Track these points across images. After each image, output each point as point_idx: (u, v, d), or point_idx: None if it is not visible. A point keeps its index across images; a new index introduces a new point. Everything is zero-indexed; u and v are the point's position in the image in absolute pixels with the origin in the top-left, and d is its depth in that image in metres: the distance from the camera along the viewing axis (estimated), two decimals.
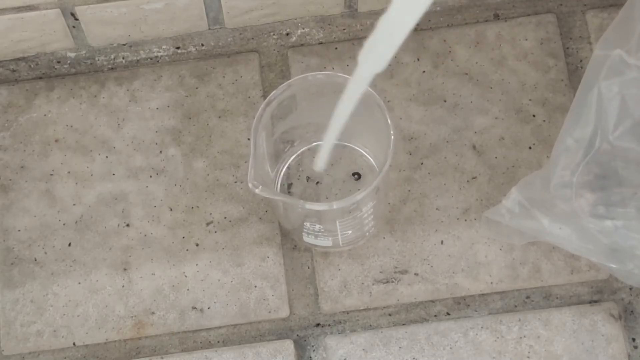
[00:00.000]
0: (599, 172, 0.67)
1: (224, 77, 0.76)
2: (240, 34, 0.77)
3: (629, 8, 0.66)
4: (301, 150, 0.74)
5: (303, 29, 0.77)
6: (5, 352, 0.71)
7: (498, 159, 0.74)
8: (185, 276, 0.72)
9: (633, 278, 0.68)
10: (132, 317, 0.72)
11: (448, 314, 0.72)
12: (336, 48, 0.77)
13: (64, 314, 0.72)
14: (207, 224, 0.73)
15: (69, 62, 0.77)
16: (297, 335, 0.71)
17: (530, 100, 0.75)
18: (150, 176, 0.74)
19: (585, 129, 0.65)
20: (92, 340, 0.71)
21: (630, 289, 0.72)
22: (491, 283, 0.72)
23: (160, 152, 0.75)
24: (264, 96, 0.76)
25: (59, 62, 0.77)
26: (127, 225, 0.73)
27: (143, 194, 0.74)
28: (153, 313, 0.72)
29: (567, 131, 0.66)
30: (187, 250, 0.73)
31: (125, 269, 0.72)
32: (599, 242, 0.66)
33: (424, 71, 0.76)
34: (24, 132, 0.75)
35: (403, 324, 0.71)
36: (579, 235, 0.67)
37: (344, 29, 0.77)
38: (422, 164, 0.74)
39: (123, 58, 0.77)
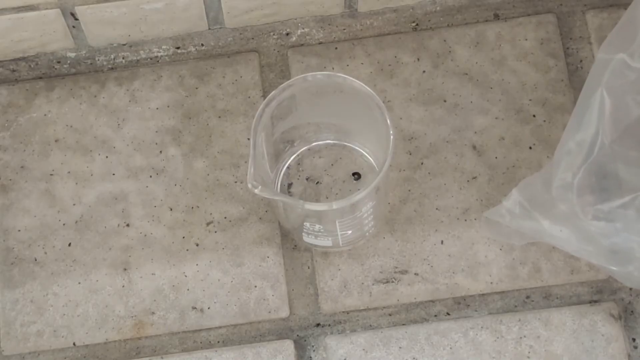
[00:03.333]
0: (600, 174, 0.67)
1: (224, 77, 0.76)
2: (240, 34, 0.77)
3: (632, 11, 0.65)
4: (301, 150, 0.74)
5: (303, 29, 0.77)
6: (5, 352, 0.71)
7: (498, 159, 0.74)
8: (185, 276, 0.72)
9: (633, 280, 0.68)
10: (132, 317, 0.72)
11: (448, 314, 0.72)
12: (336, 48, 0.77)
13: (64, 314, 0.72)
14: (207, 224, 0.73)
15: (69, 62, 0.77)
16: (297, 335, 0.71)
17: (530, 100, 0.75)
18: (150, 176, 0.74)
19: (587, 132, 0.65)
20: (92, 340, 0.71)
21: (630, 289, 0.72)
22: (491, 283, 0.72)
23: (160, 152, 0.75)
24: (264, 96, 0.76)
25: (59, 62, 0.77)
26: (127, 225, 0.73)
27: (143, 194, 0.74)
28: (153, 313, 0.72)
29: (569, 133, 0.66)
30: (187, 250, 0.73)
31: (125, 269, 0.72)
32: (599, 244, 0.66)
33: (424, 71, 0.76)
34: (24, 132, 0.75)
35: (403, 324, 0.71)
36: (579, 237, 0.67)
37: (344, 29, 0.77)
38: (422, 164, 0.74)
39: (123, 58, 0.77)
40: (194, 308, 0.72)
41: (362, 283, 0.72)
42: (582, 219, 0.66)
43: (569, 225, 0.66)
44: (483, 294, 0.72)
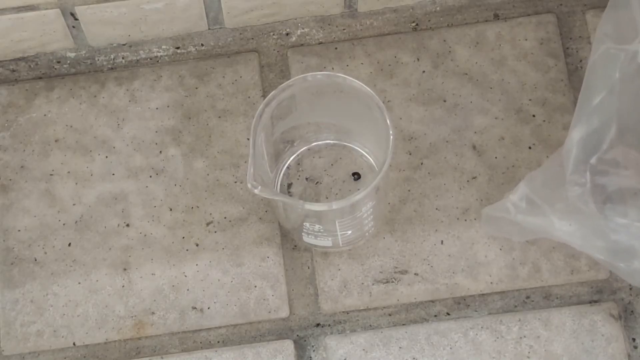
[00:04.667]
0: (609, 169, 0.67)
1: (224, 77, 0.76)
2: (240, 34, 0.77)
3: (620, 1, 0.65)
4: (301, 150, 0.74)
5: (303, 29, 0.77)
6: (5, 352, 0.71)
7: (498, 159, 0.74)
8: (185, 276, 0.72)
9: (637, 277, 0.68)
10: (132, 317, 0.72)
11: (448, 314, 0.72)
12: (336, 48, 0.77)
13: (64, 314, 0.72)
14: (207, 224, 0.73)
15: (69, 62, 0.77)
16: (297, 335, 0.71)
17: (530, 100, 0.75)
18: (150, 176, 0.74)
19: (596, 125, 0.65)
20: (92, 340, 0.71)
21: (630, 288, 0.72)
22: (491, 283, 0.72)
23: (160, 152, 0.75)
24: (264, 96, 0.76)
25: (59, 62, 0.77)
26: (127, 225, 0.73)
27: (143, 194, 0.74)
28: (153, 313, 0.72)
29: (578, 127, 0.66)
30: (187, 250, 0.73)
31: (125, 269, 0.72)
32: (608, 239, 0.66)
33: (424, 71, 0.76)
34: (24, 132, 0.75)
35: (403, 324, 0.71)
36: (587, 231, 0.67)
37: (344, 29, 0.77)
38: (422, 164, 0.74)
39: (123, 58, 0.77)
40: (194, 308, 0.72)
41: (362, 283, 0.72)
42: (591, 214, 0.65)
43: (578, 220, 0.66)
44: (483, 294, 0.72)
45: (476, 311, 0.72)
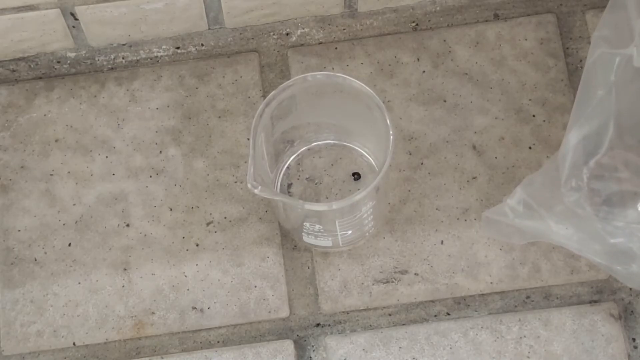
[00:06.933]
0: (606, 172, 0.67)
1: (224, 77, 0.76)
2: (240, 34, 0.77)
3: (619, 2, 0.65)
4: (301, 150, 0.74)
5: (303, 29, 0.77)
6: (5, 352, 0.71)
7: (498, 159, 0.74)
8: (185, 276, 0.72)
9: (635, 280, 0.68)
10: (132, 317, 0.72)
11: (448, 314, 0.72)
12: (336, 48, 0.77)
13: (64, 314, 0.72)
14: (207, 224, 0.73)
15: (69, 62, 0.77)
16: (297, 335, 0.71)
17: (530, 100, 0.75)
18: (150, 176, 0.74)
19: (593, 129, 0.65)
20: (92, 340, 0.71)
21: (630, 288, 0.72)
22: (491, 283, 0.72)
23: (160, 152, 0.75)
24: (264, 96, 0.76)
25: (59, 62, 0.77)
26: (127, 225, 0.73)
27: (143, 194, 0.74)
28: (153, 313, 0.72)
29: (574, 131, 0.66)
30: (187, 250, 0.73)
31: (125, 269, 0.72)
32: (605, 242, 0.66)
33: (424, 71, 0.76)
34: (24, 132, 0.75)
35: (403, 324, 0.71)
36: (584, 234, 0.67)
37: (344, 29, 0.77)
38: (422, 164, 0.74)
39: (123, 58, 0.77)
40: (194, 308, 0.72)
41: (362, 283, 0.72)
42: (588, 217, 0.65)
43: (575, 223, 0.66)
44: (483, 294, 0.72)
45: (476, 311, 0.72)
